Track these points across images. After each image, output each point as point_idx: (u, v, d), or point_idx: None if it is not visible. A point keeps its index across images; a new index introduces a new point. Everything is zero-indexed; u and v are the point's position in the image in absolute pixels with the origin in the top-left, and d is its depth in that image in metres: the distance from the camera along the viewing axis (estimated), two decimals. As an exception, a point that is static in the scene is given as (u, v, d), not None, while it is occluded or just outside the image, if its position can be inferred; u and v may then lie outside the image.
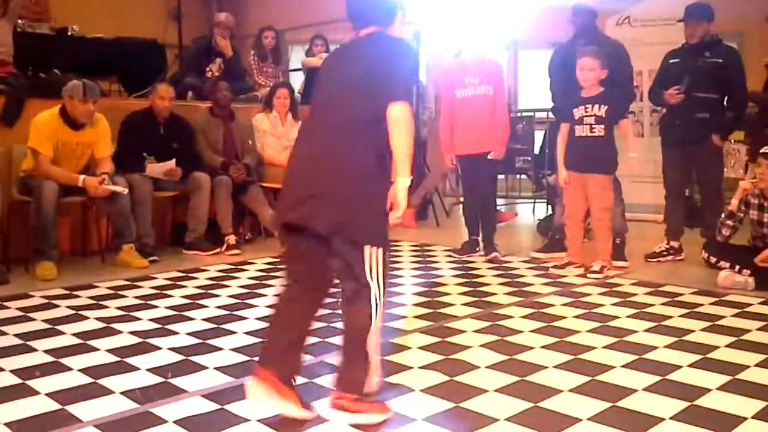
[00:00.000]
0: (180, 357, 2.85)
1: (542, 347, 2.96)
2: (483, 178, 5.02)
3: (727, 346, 2.98)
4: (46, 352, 2.90)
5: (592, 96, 4.40)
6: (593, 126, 4.38)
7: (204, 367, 2.72)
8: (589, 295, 3.91)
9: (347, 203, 2.11)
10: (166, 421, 2.23)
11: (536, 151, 8.39)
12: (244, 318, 3.44)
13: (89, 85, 4.49)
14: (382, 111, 2.10)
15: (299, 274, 2.25)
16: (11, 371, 2.66)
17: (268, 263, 4.82)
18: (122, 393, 2.46)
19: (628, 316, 3.45)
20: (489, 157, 4.86)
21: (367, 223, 2.13)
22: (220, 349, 2.96)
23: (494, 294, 3.92)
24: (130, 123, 5.10)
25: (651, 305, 3.67)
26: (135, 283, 4.17)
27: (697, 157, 4.84)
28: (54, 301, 3.74)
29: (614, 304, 3.68)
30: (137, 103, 5.46)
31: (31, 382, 2.55)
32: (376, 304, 2.14)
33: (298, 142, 2.31)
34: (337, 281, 2.25)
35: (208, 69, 6.36)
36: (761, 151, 4.10)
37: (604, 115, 4.36)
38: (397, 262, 4.85)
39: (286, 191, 2.25)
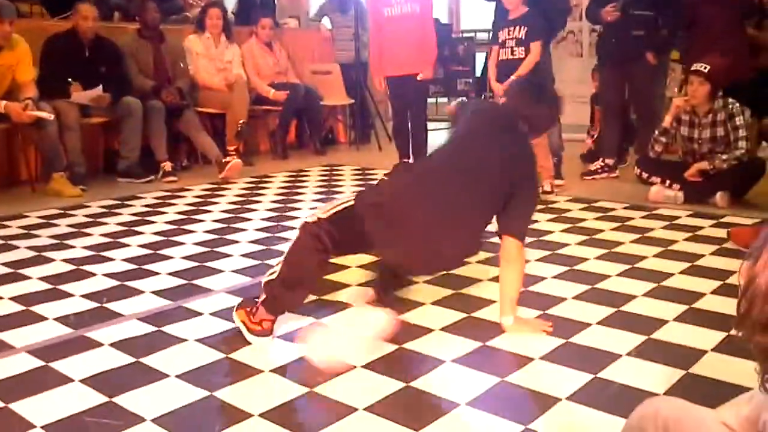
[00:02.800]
0: (115, 282, 2.81)
1: (477, 262, 3.02)
2: (413, 100, 4.89)
3: (654, 256, 3.10)
4: (-26, 282, 2.82)
5: (515, 18, 4.33)
6: (513, 49, 4.32)
7: (140, 292, 2.70)
8: (526, 212, 3.98)
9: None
10: (102, 344, 2.21)
11: (478, 73, 8.38)
12: (182, 243, 3.39)
13: (4, 4, 4.24)
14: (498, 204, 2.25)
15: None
16: (-63, 302, 2.58)
17: (205, 190, 4.74)
18: (56, 319, 2.42)
19: (562, 231, 3.54)
20: (418, 78, 4.75)
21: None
22: (157, 273, 2.92)
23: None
24: (53, 45, 4.84)
25: (584, 220, 3.77)
26: (67, 212, 4.05)
27: (632, 75, 4.89)
28: (-19, 232, 3.62)
29: (549, 220, 3.76)
30: (61, 25, 5.17)
31: (-41, 312, 2.49)
32: None
33: (420, 186, 2.24)
34: None
35: (135, -13, 6.05)
36: (692, 68, 4.16)
37: (523, 37, 4.29)
38: (339, 185, 4.83)
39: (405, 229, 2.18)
